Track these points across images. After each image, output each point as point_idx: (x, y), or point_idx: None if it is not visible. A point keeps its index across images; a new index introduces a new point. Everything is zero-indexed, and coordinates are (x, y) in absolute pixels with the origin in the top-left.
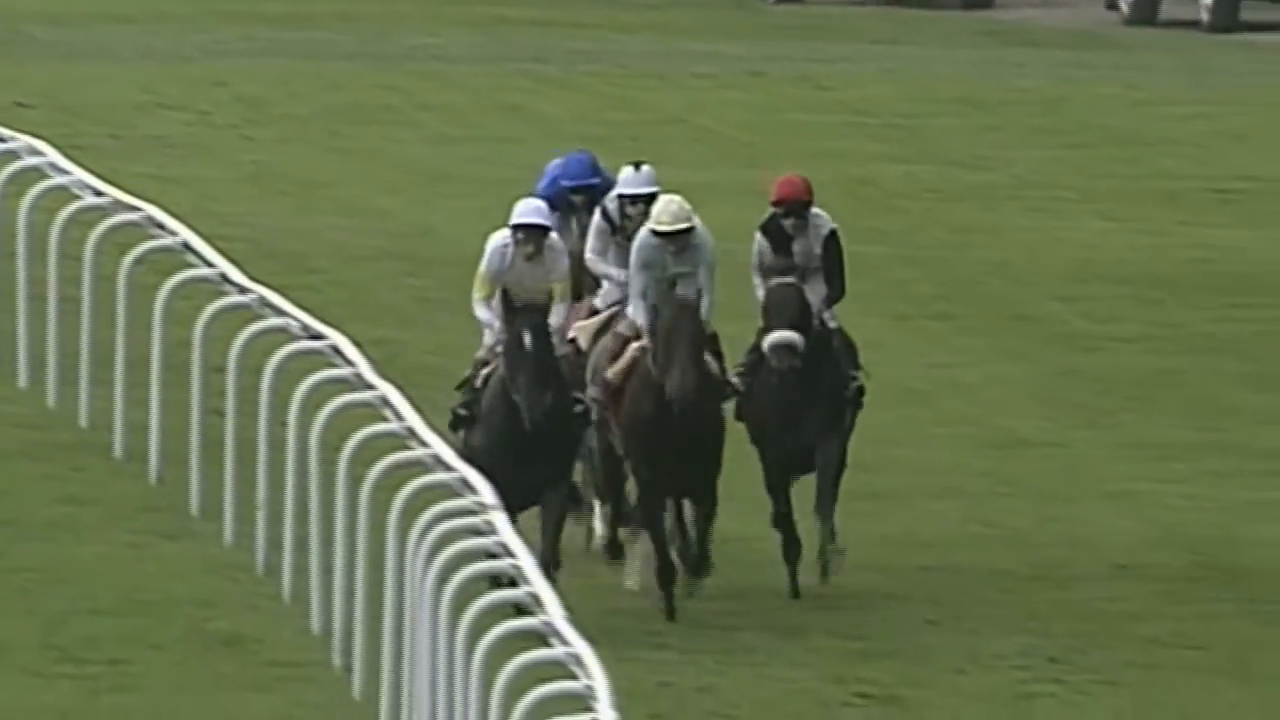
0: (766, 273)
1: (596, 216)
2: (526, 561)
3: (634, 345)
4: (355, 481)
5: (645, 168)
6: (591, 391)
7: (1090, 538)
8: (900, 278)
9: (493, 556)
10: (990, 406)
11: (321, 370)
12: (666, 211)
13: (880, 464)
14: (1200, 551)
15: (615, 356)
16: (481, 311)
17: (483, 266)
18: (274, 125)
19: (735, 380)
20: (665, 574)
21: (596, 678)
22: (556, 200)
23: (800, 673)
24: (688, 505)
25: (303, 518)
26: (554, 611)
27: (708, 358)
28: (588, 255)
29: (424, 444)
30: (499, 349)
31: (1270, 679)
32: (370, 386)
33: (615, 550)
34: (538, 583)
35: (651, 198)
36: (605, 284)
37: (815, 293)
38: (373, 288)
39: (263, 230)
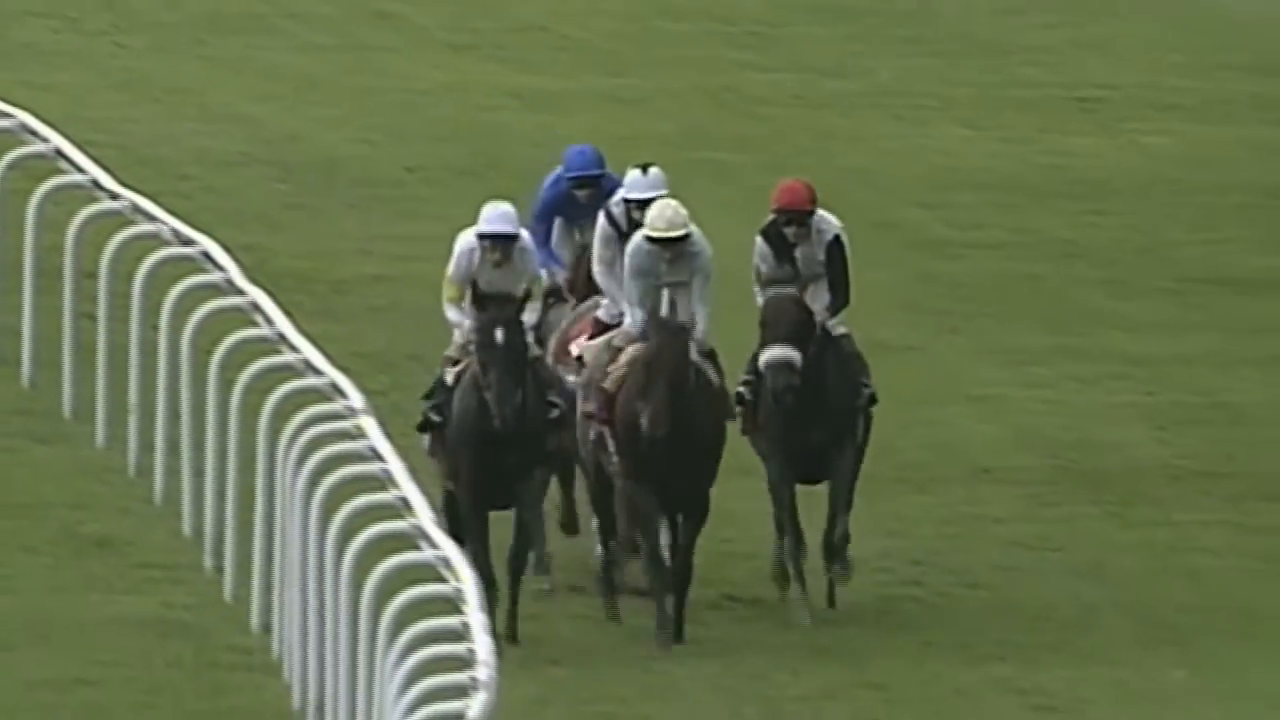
0: (766, 283)
1: (601, 221)
2: (396, 466)
3: (629, 350)
4: (226, 385)
5: (653, 170)
6: (587, 406)
7: (952, 442)
8: (762, 184)
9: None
10: (852, 312)
11: (192, 276)
12: (661, 217)
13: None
14: (1060, 455)
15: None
16: (451, 313)
17: (450, 269)
18: (144, 33)
19: (742, 389)
20: (660, 585)
21: (465, 580)
22: (558, 203)
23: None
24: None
25: (174, 421)
26: (423, 515)
27: (709, 373)
28: (595, 267)
29: (294, 349)
30: (470, 347)
31: (1126, 580)
32: (240, 292)
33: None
34: (407, 487)
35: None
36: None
37: (818, 300)
38: (242, 193)
39: (133, 137)
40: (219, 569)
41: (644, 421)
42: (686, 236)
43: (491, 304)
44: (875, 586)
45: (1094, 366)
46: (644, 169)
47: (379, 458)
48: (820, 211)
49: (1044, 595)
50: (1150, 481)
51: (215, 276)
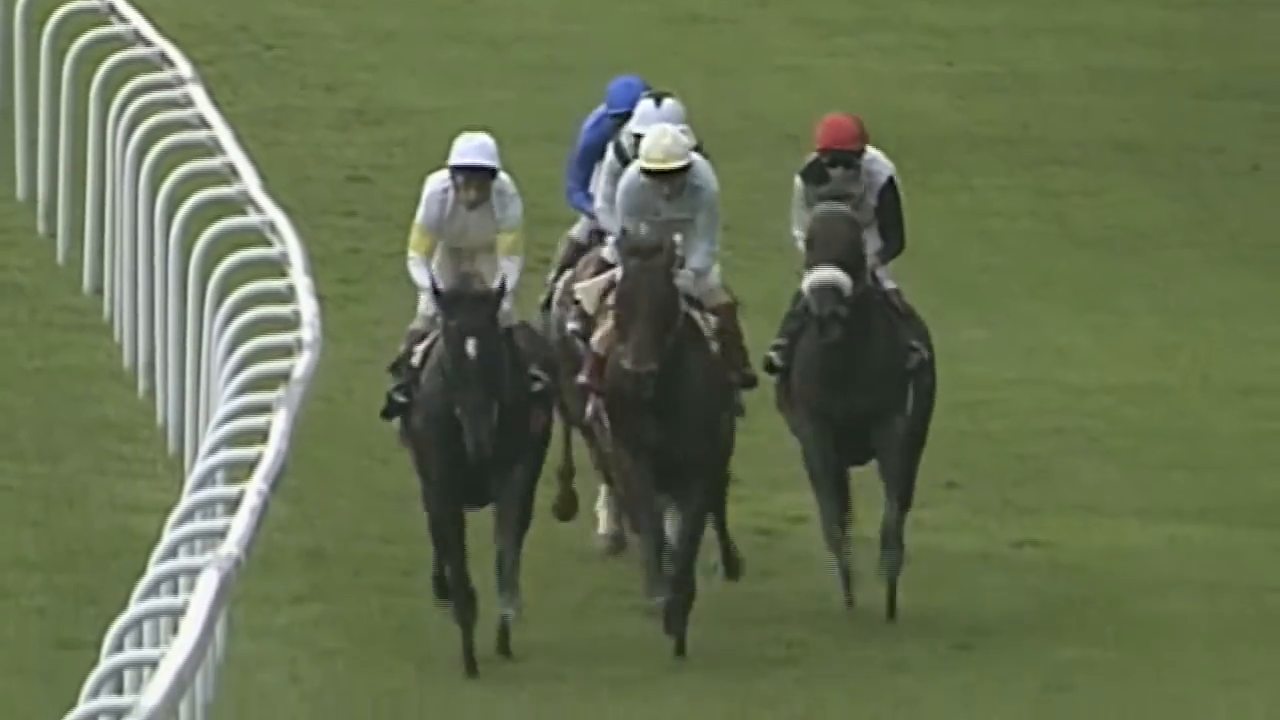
0: (816, 199)
1: (609, 155)
2: (223, 134)
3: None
4: (58, 56)
5: (668, 101)
6: (581, 377)
7: (761, 111)
8: None
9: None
10: None
11: None
12: (658, 146)
13: (559, 37)
14: (865, 123)
15: (602, 295)
16: (418, 272)
17: (419, 215)
18: None
19: (772, 354)
20: (655, 584)
21: (290, 244)
22: (601, 146)
23: None
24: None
25: (7, 91)
26: (250, 181)
27: (700, 321)
28: (597, 203)
29: (123, 19)
30: (439, 319)
31: (927, 243)
32: None
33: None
34: (234, 154)
35: None
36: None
37: (869, 247)
38: None
39: None
40: (52, 234)
41: (625, 362)
42: (687, 168)
43: (461, 307)
44: None
45: (897, 36)
46: (658, 99)
47: (206, 125)
48: (871, 150)
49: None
50: (951, 148)
51: None
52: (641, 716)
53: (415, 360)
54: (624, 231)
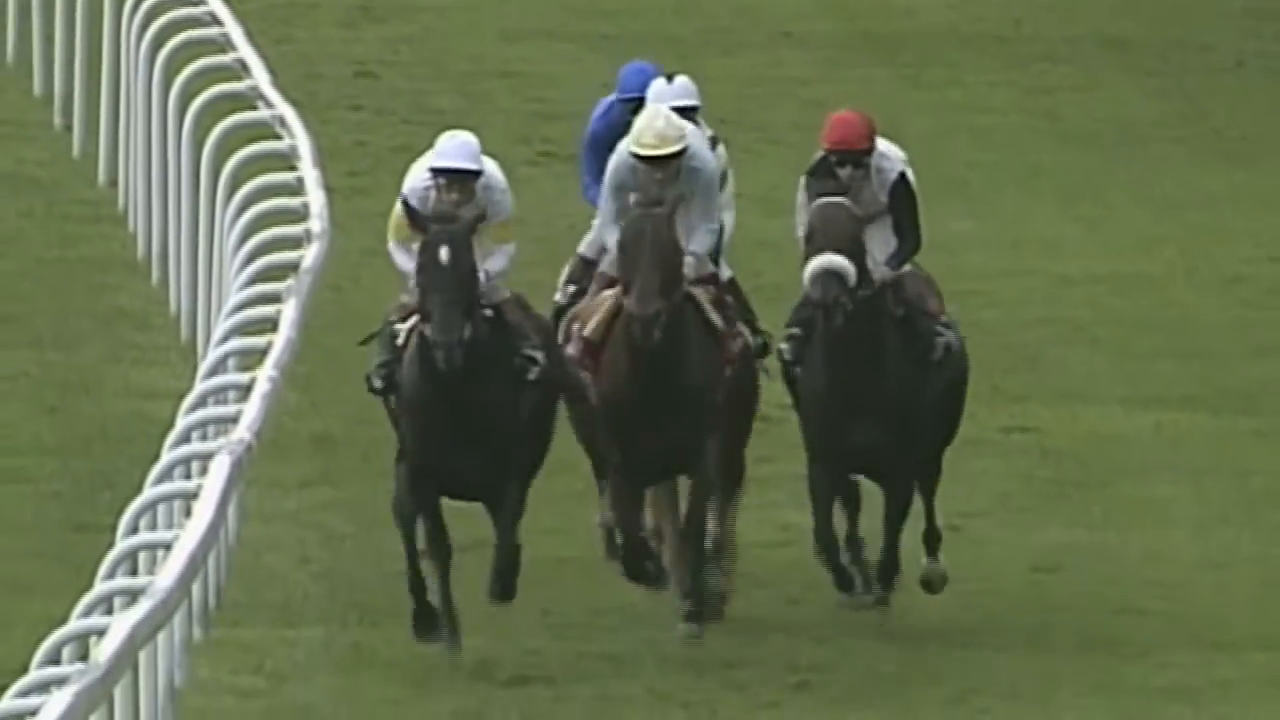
0: (814, 196)
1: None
2: (234, 30)
3: (608, 295)
4: None
5: (679, 79)
6: (568, 350)
7: (754, 6)
8: None
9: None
10: None
11: None
12: (650, 129)
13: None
14: (858, 20)
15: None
16: (401, 257)
17: (399, 207)
18: None
19: (784, 347)
20: (635, 568)
21: (299, 138)
22: (611, 135)
23: None
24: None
25: None
26: (260, 77)
27: (703, 301)
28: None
29: None
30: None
31: (918, 138)
32: None
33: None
34: (244, 49)
35: (688, 115)
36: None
37: (882, 247)
38: None
39: None
40: (68, 127)
41: (630, 302)
42: (682, 153)
43: (435, 219)
44: None
45: None
46: (669, 77)
47: (218, 22)
48: (881, 145)
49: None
50: (943, 45)
51: None
52: None
53: (399, 339)
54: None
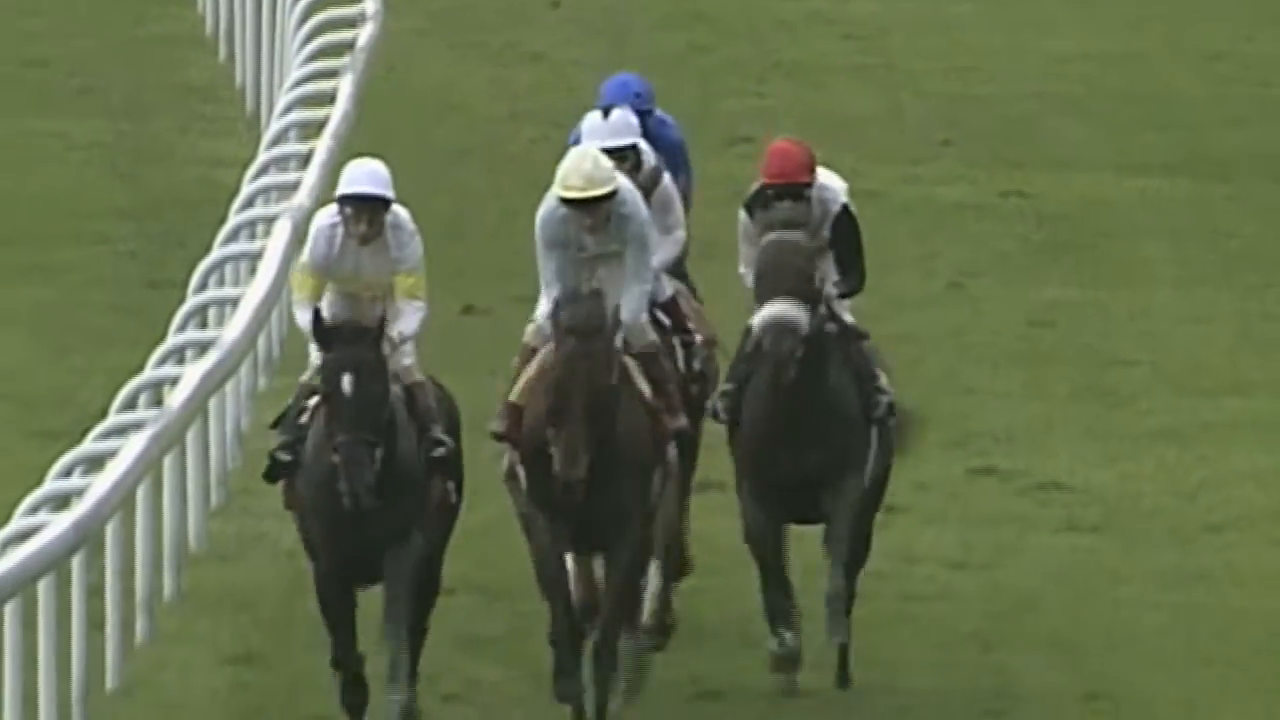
0: (765, 227)
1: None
2: None
3: (541, 352)
4: None
5: (616, 113)
6: (494, 425)
7: None
8: None
9: None
10: None
11: None
12: (577, 172)
13: None
14: None
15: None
16: (301, 315)
17: (305, 255)
18: None
19: (718, 405)
20: (566, 640)
21: None
22: None
23: None
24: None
25: None
26: None
27: (640, 384)
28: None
29: None
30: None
31: None
32: None
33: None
34: None
35: (625, 153)
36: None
37: (825, 278)
38: None
39: None
40: None
41: (555, 462)
42: (612, 195)
43: (339, 339)
44: None
45: None
46: (605, 112)
47: None
48: (821, 178)
49: None
50: None
51: None
52: None
53: (304, 418)
54: (557, 304)
